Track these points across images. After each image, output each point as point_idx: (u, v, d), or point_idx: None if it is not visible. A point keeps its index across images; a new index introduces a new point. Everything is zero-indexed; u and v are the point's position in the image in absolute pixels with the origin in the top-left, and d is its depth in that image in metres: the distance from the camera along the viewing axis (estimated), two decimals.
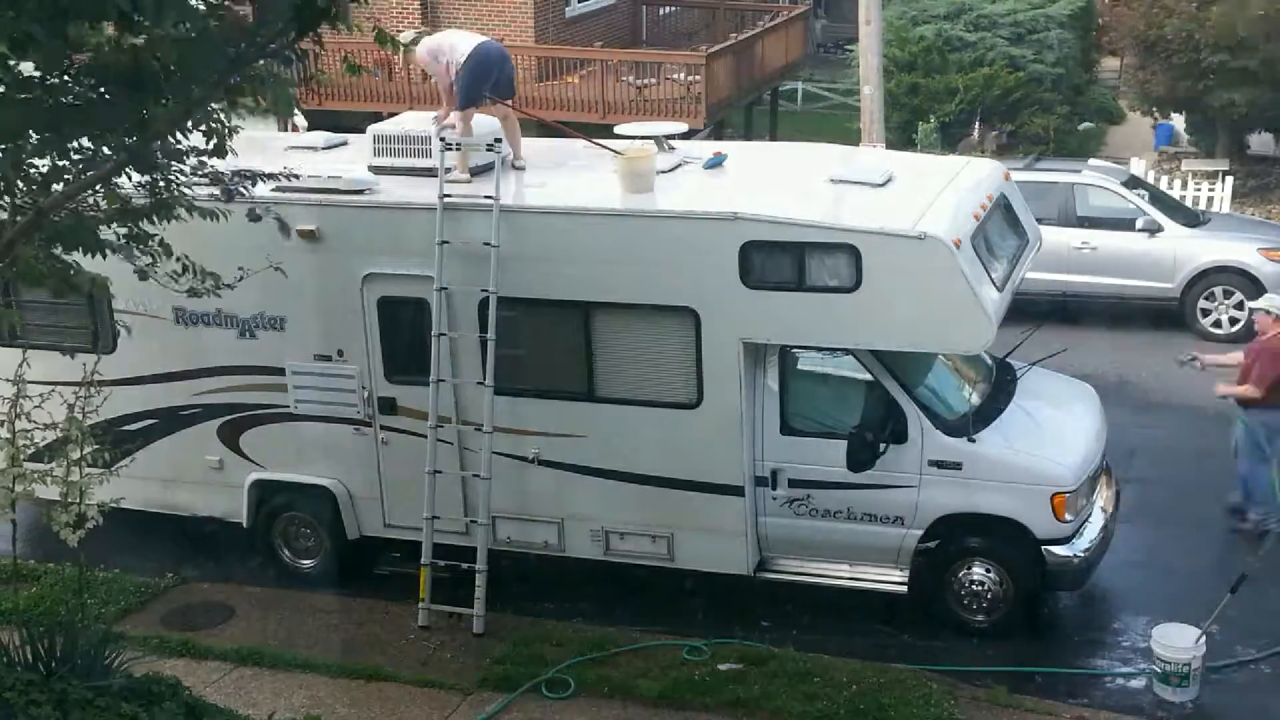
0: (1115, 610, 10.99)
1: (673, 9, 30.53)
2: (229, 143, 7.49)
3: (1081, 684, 9.92)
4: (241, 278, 9.50)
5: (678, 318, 10.14)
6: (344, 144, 12.35)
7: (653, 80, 22.87)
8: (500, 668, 9.94)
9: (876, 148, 19.91)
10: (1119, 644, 10.47)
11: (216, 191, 8.41)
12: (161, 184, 7.68)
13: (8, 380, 9.36)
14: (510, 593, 10.83)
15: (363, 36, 8.42)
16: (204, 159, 7.68)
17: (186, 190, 7.92)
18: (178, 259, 8.24)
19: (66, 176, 7.14)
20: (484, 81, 10.84)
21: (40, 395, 9.23)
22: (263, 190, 9.51)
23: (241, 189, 8.58)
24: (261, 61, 6.63)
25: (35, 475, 9.32)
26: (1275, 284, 16.81)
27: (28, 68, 6.36)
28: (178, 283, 8.42)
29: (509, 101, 11.25)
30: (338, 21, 6.31)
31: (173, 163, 7.58)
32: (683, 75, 22.90)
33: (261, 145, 11.01)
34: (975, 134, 24.83)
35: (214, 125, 7.38)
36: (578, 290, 10.30)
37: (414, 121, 11.59)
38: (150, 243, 8.00)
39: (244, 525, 11.56)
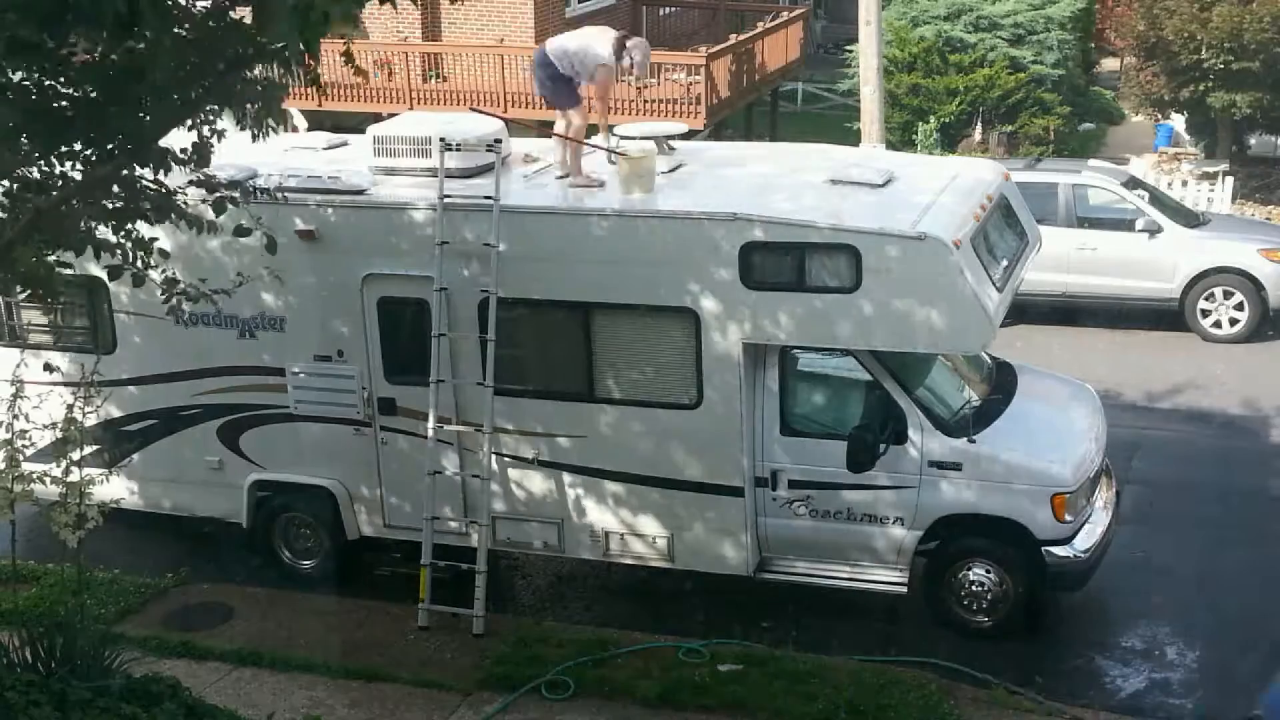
0: (1114, 611, 10.97)
1: (673, 9, 30.52)
2: (212, 150, 7.43)
3: (1081, 684, 9.92)
4: (240, 283, 9.49)
5: (678, 318, 10.13)
6: (344, 144, 12.35)
7: (653, 80, 22.85)
8: (500, 668, 9.93)
9: (876, 148, 19.93)
10: (1118, 644, 10.47)
11: (208, 196, 8.33)
12: (153, 188, 7.63)
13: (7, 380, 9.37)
14: (510, 593, 10.82)
15: (363, 37, 8.38)
16: (192, 165, 7.60)
17: (182, 194, 7.87)
18: (162, 271, 8.18)
19: (62, 179, 7.11)
20: None
21: (39, 395, 9.23)
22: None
23: (233, 197, 8.50)
24: (259, 67, 6.60)
25: (34, 476, 9.32)
26: (1275, 285, 16.86)
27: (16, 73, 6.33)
28: (167, 294, 8.36)
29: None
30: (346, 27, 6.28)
31: (164, 167, 7.53)
32: (683, 76, 22.87)
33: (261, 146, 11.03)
34: (977, 135, 24.82)
35: (202, 132, 7.32)
36: (578, 291, 10.29)
37: (414, 122, 11.59)
38: (147, 249, 7.96)
39: (244, 526, 11.56)
